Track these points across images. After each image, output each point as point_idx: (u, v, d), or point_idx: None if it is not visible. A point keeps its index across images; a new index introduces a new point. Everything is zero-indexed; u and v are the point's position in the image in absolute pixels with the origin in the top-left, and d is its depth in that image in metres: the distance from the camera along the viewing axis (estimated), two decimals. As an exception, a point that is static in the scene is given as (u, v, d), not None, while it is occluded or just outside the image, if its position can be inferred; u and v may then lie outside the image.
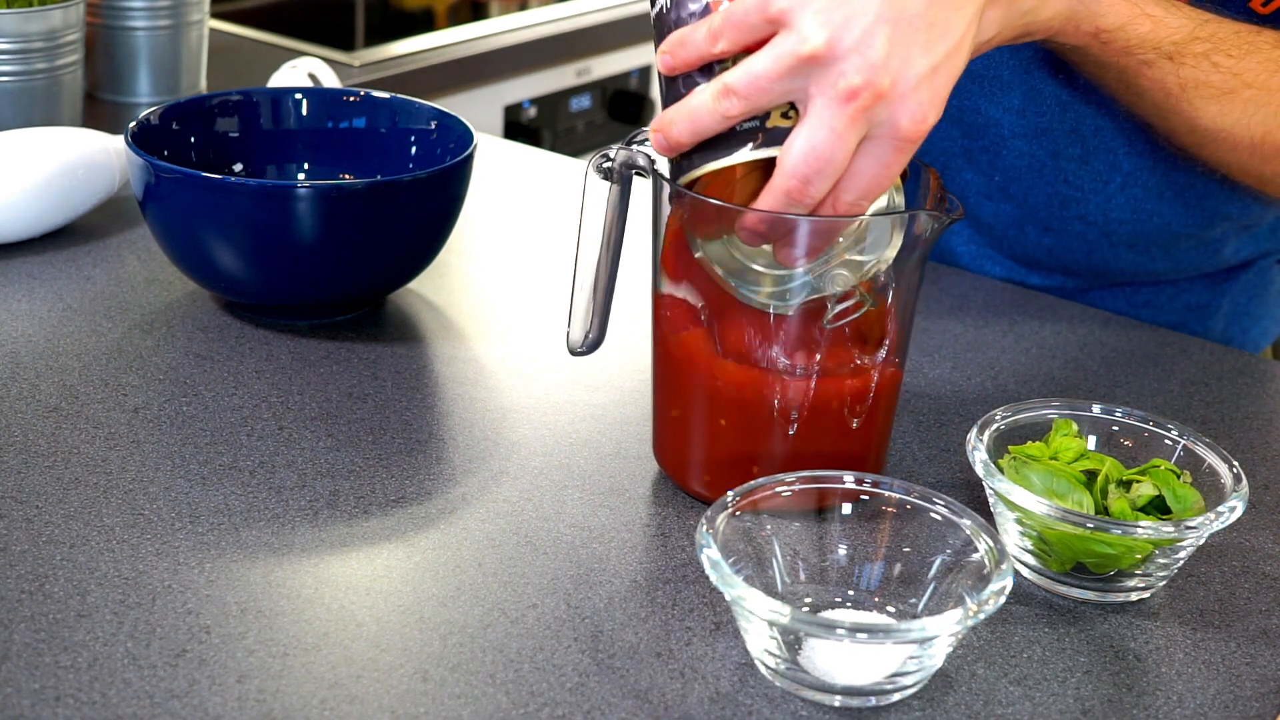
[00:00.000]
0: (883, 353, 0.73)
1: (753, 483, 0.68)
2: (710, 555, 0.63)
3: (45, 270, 1.00)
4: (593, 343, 0.80)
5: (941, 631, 0.60)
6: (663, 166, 0.75)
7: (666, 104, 0.71)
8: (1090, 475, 0.73)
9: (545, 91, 1.89)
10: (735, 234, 0.70)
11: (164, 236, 0.92)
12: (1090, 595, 0.71)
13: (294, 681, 0.63)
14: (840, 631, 0.60)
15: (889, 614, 0.67)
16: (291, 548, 0.72)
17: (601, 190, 0.77)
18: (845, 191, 0.68)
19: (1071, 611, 0.71)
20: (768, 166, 0.68)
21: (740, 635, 0.66)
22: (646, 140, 0.76)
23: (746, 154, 0.68)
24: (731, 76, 0.67)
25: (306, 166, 1.03)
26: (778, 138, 0.67)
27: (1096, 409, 0.77)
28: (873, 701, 0.63)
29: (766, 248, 0.70)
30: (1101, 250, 1.06)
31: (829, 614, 0.67)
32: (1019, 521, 0.71)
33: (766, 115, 0.68)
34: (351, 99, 1.03)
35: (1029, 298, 1.04)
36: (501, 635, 0.66)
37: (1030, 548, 0.71)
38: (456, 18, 1.96)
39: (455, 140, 0.99)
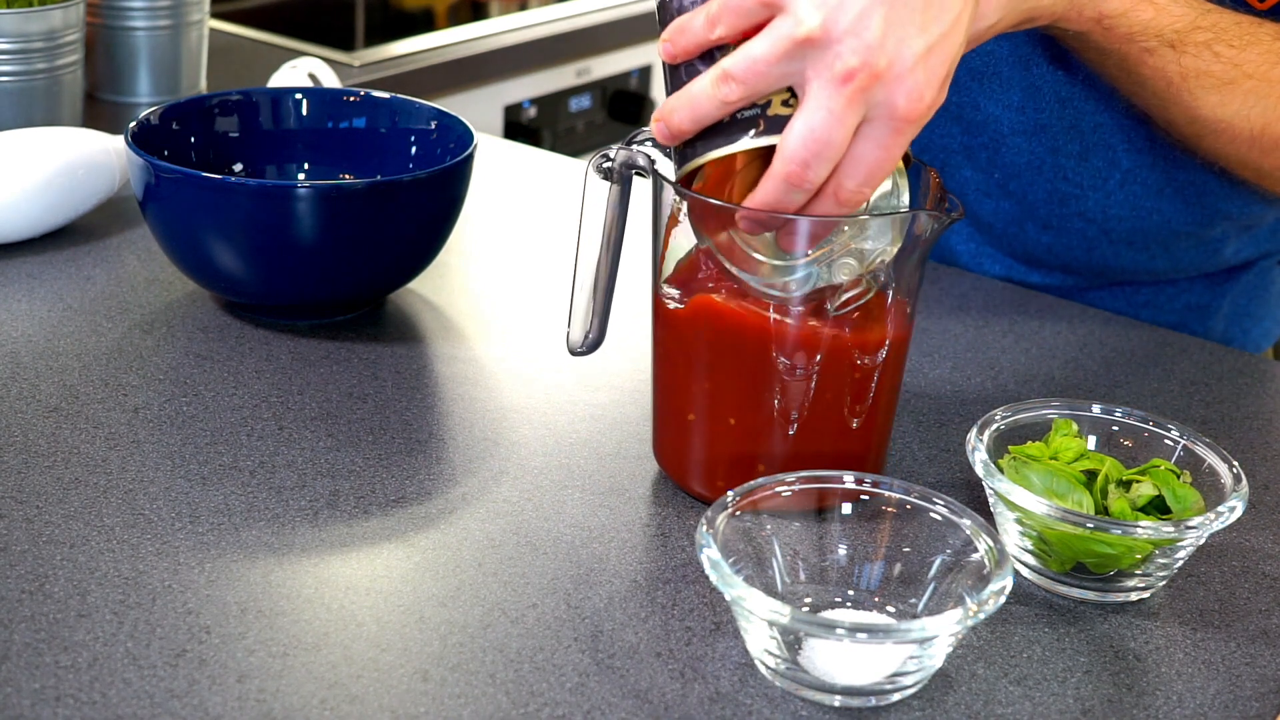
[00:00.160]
0: (883, 353, 0.73)
1: (753, 483, 0.68)
2: (710, 555, 0.63)
3: (45, 270, 1.00)
4: (593, 343, 0.80)
5: (941, 631, 0.60)
6: (663, 167, 0.75)
7: (670, 94, 0.71)
8: (1090, 475, 0.73)
9: (545, 91, 1.89)
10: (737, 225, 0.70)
11: (164, 236, 0.92)
12: (1090, 595, 0.71)
13: (294, 681, 0.63)
14: (840, 631, 0.60)
15: (889, 614, 0.67)
16: (291, 548, 0.72)
17: (601, 190, 0.77)
18: (847, 178, 0.68)
19: (1071, 611, 0.71)
20: (769, 155, 0.68)
21: (740, 635, 0.66)
22: (646, 140, 0.76)
23: (747, 142, 0.68)
24: (729, 61, 0.67)
25: (306, 166, 1.03)
26: (779, 125, 0.67)
27: (1096, 409, 0.77)
28: (873, 701, 0.63)
29: (770, 236, 0.70)
30: (1101, 248, 1.06)
31: (829, 614, 0.67)
32: (1019, 521, 0.71)
33: (767, 103, 0.68)
34: (351, 99, 1.03)
35: (1029, 298, 1.04)
36: (501, 635, 0.66)
37: (1030, 548, 0.71)
38: (456, 18, 1.96)
39: (455, 140, 0.99)
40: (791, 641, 0.63)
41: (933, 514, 0.68)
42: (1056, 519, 0.68)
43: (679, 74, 0.70)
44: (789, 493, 0.69)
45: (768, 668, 0.64)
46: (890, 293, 0.73)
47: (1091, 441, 0.76)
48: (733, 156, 0.69)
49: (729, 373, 0.73)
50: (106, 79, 1.38)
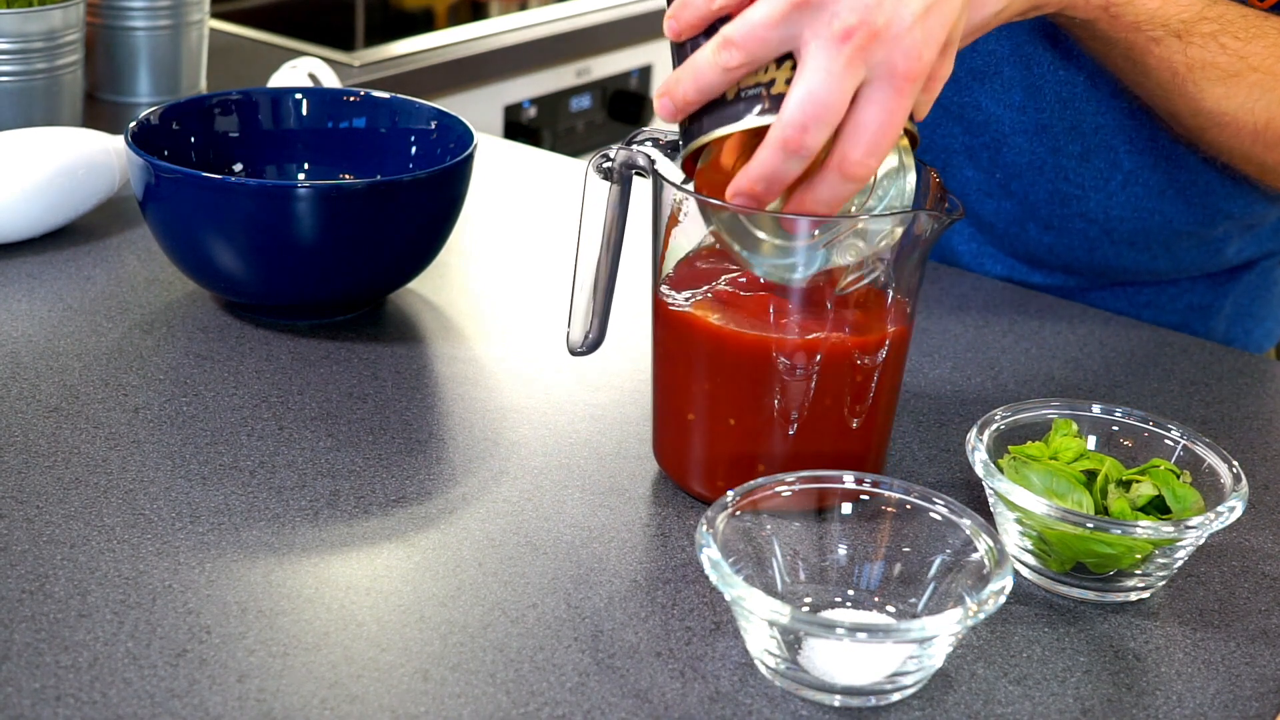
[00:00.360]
0: (883, 353, 0.73)
1: (753, 483, 0.68)
2: (710, 555, 0.63)
3: (45, 270, 1.00)
4: (593, 343, 0.80)
5: (941, 631, 0.60)
6: (663, 167, 0.75)
7: None
8: (1090, 475, 0.73)
9: (545, 91, 1.89)
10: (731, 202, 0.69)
11: (164, 236, 0.92)
12: (1090, 595, 0.71)
13: (294, 681, 0.63)
14: (840, 631, 0.60)
15: (889, 614, 0.67)
16: (291, 548, 0.72)
17: (601, 190, 0.77)
18: (851, 147, 0.66)
19: (1071, 611, 0.71)
20: None
21: (740, 635, 0.66)
22: (647, 140, 0.76)
23: (753, 120, 0.68)
24: (729, 28, 0.67)
25: (306, 166, 1.03)
26: (783, 103, 0.67)
27: (1096, 409, 0.77)
28: (873, 701, 0.63)
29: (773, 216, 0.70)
30: (1103, 248, 1.06)
31: (829, 614, 0.67)
32: (1019, 521, 0.71)
33: (771, 82, 0.67)
34: (351, 99, 1.03)
35: (1029, 298, 1.04)
36: (501, 635, 0.66)
37: (1030, 548, 0.71)
38: (456, 18, 1.96)
39: (455, 140, 0.99)
40: (791, 641, 0.63)
41: (933, 514, 0.68)
42: (1056, 519, 0.68)
43: (684, 51, 0.70)
44: (789, 493, 0.69)
45: (768, 667, 0.64)
46: (890, 293, 0.73)
47: (1091, 441, 0.76)
48: (738, 134, 0.69)
49: (729, 373, 0.73)
50: (106, 79, 1.38)
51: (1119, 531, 0.68)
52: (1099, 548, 0.69)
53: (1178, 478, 0.72)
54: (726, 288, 0.73)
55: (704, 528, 0.64)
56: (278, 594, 0.68)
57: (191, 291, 0.98)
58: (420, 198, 0.91)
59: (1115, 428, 0.77)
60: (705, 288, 0.74)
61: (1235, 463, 0.73)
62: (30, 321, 0.93)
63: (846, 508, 0.69)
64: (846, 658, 0.62)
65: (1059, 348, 0.97)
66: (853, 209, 0.70)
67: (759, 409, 0.73)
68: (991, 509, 0.73)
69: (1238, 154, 0.92)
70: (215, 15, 1.73)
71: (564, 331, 0.85)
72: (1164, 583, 0.72)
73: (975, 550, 0.66)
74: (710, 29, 0.69)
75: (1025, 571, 0.73)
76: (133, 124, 0.94)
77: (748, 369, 0.72)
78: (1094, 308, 1.04)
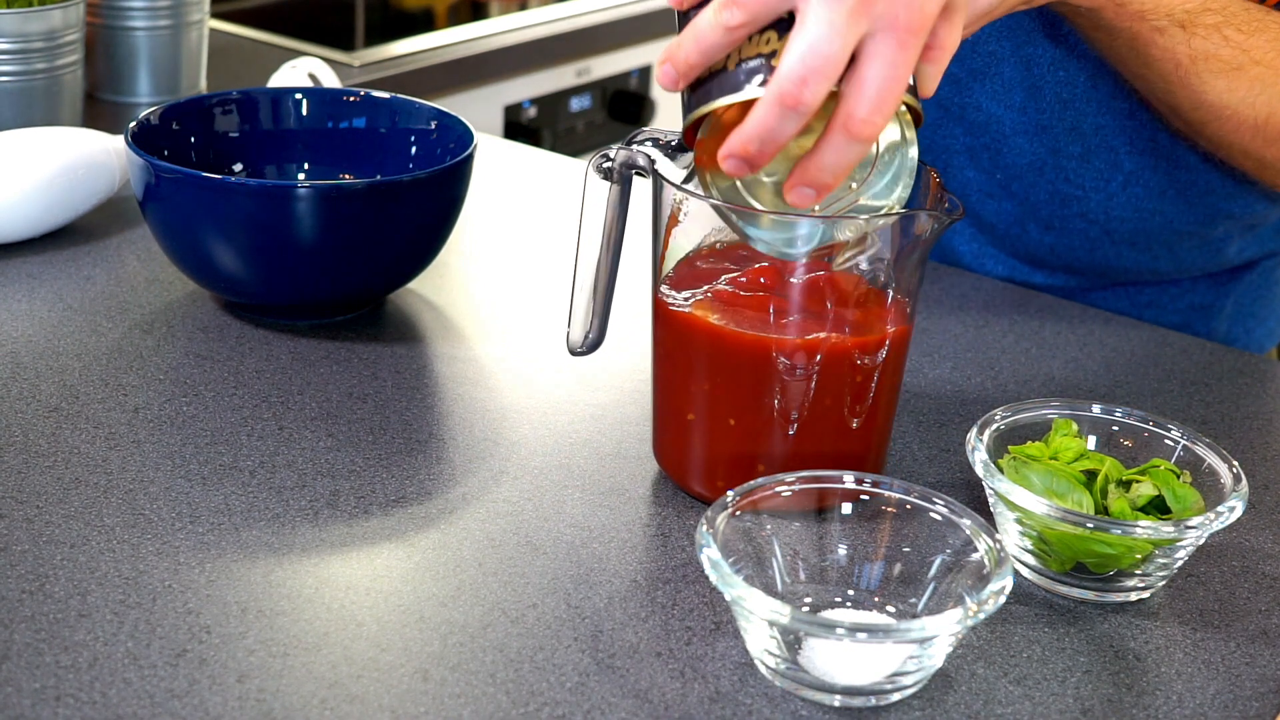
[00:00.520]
0: (883, 352, 0.73)
1: (753, 483, 0.68)
2: (710, 555, 0.63)
3: (45, 270, 1.00)
4: (593, 343, 0.80)
5: (941, 631, 0.60)
6: (663, 167, 0.75)
7: None
8: (1090, 475, 0.73)
9: (545, 91, 1.89)
10: (721, 166, 0.67)
11: (164, 236, 0.92)
12: (1090, 595, 0.71)
13: (294, 681, 0.63)
14: (840, 631, 0.60)
15: (889, 614, 0.67)
16: (291, 548, 0.72)
17: (601, 190, 0.77)
18: (855, 105, 0.64)
19: (1071, 611, 0.71)
20: None
21: (740, 635, 0.66)
22: (647, 140, 0.76)
23: (754, 90, 0.67)
24: None
25: (306, 166, 1.03)
26: None
27: (1096, 409, 0.77)
28: (873, 701, 0.63)
29: (773, 188, 0.69)
30: (1103, 248, 1.06)
31: (829, 614, 0.67)
32: (1019, 521, 0.71)
33: (774, 52, 0.66)
34: (351, 99, 1.03)
35: (1029, 298, 1.04)
36: (501, 635, 0.66)
37: (1030, 548, 0.71)
38: (456, 18, 1.96)
39: (455, 140, 0.99)
40: (791, 641, 0.63)
41: (933, 514, 0.68)
42: (1056, 519, 0.68)
43: (688, 19, 0.69)
44: (789, 493, 0.69)
45: (768, 667, 0.64)
46: (890, 292, 0.73)
47: (1091, 441, 0.76)
48: (741, 105, 0.68)
49: (729, 373, 0.73)
50: (106, 79, 1.38)
51: (1119, 531, 0.68)
52: (1099, 548, 0.69)
53: (1178, 478, 0.72)
54: (726, 288, 0.73)
55: (704, 528, 0.64)
56: (278, 594, 0.68)
57: (191, 291, 0.98)
58: (420, 198, 0.91)
59: (1115, 428, 0.77)
60: (705, 288, 0.74)
61: (1235, 463, 0.73)
62: (30, 321, 0.93)
63: (846, 508, 0.69)
64: (846, 658, 0.62)
65: (1059, 348, 0.97)
66: (853, 185, 0.69)
67: (759, 409, 0.73)
68: (991, 509, 0.73)
69: (1237, 149, 0.92)
70: (215, 15, 1.73)
71: (564, 331, 0.85)
72: (1164, 583, 0.72)
73: (975, 550, 0.66)
74: None
75: (1025, 571, 0.73)
76: (133, 124, 0.94)
77: (748, 369, 0.72)
78: (1094, 308, 1.04)
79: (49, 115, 1.20)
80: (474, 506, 0.76)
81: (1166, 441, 0.76)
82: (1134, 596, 0.71)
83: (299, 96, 1.03)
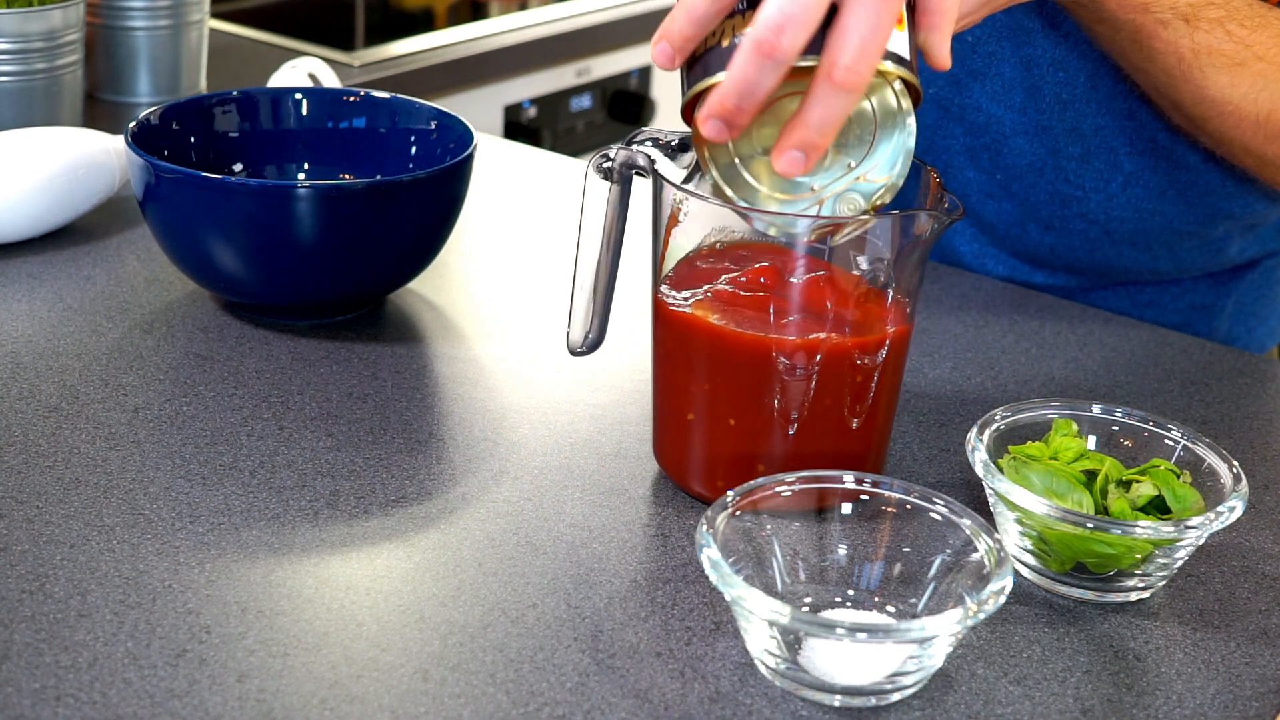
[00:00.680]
0: (883, 352, 0.73)
1: (753, 483, 0.68)
2: (710, 555, 0.63)
3: (45, 270, 1.00)
4: (593, 343, 0.80)
5: (941, 631, 0.60)
6: (663, 166, 0.75)
7: None
8: (1090, 475, 0.73)
9: (545, 91, 1.89)
10: (699, 127, 0.67)
11: (164, 236, 0.92)
12: (1090, 595, 0.71)
13: (294, 681, 0.63)
14: (840, 631, 0.60)
15: (889, 614, 0.67)
16: (291, 548, 0.72)
17: (601, 190, 0.77)
18: (840, 52, 0.63)
19: (1071, 611, 0.71)
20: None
21: (740, 635, 0.66)
22: (647, 140, 0.76)
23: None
24: None
25: (306, 166, 1.03)
26: None
27: (1096, 409, 0.77)
28: (873, 701, 0.63)
29: (769, 161, 0.69)
30: (1104, 248, 1.06)
31: (829, 614, 0.67)
32: (1019, 521, 0.71)
33: None
34: (351, 99, 1.03)
35: (1029, 298, 1.04)
36: (501, 635, 0.66)
37: (1030, 548, 0.71)
38: (456, 18, 1.96)
39: (455, 140, 0.99)
40: (791, 641, 0.63)
41: (933, 514, 0.68)
42: (1056, 519, 0.68)
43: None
44: (789, 493, 0.69)
45: (768, 668, 0.64)
46: (890, 292, 0.73)
47: (1091, 441, 0.76)
48: None
49: (729, 373, 0.73)
50: (106, 79, 1.38)
51: (1119, 532, 0.68)
52: (1099, 548, 0.69)
53: (1178, 478, 0.72)
54: (726, 288, 0.73)
55: (704, 528, 0.64)
56: (278, 594, 0.68)
57: (191, 291, 0.98)
58: (420, 198, 0.91)
59: (1115, 428, 0.77)
60: (705, 288, 0.74)
61: (1235, 463, 0.73)
62: (30, 321, 0.93)
63: (846, 508, 0.69)
64: (846, 658, 0.62)
65: (1059, 348, 0.97)
66: (851, 164, 0.69)
67: (759, 409, 0.73)
68: (991, 509, 0.73)
69: (1238, 145, 0.92)
70: (215, 15, 1.73)
71: (564, 331, 0.85)
72: (1164, 583, 0.72)
73: (975, 550, 0.66)
74: None
75: (1025, 571, 0.73)
76: (133, 124, 0.94)
77: (748, 369, 0.72)
78: (1094, 307, 1.04)
79: (49, 115, 1.20)
80: (474, 506, 0.76)
81: (1166, 441, 0.76)
82: (1134, 596, 0.71)
83: (299, 96, 1.03)
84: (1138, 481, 0.72)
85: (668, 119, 2.06)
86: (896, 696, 0.64)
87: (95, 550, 0.70)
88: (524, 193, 1.21)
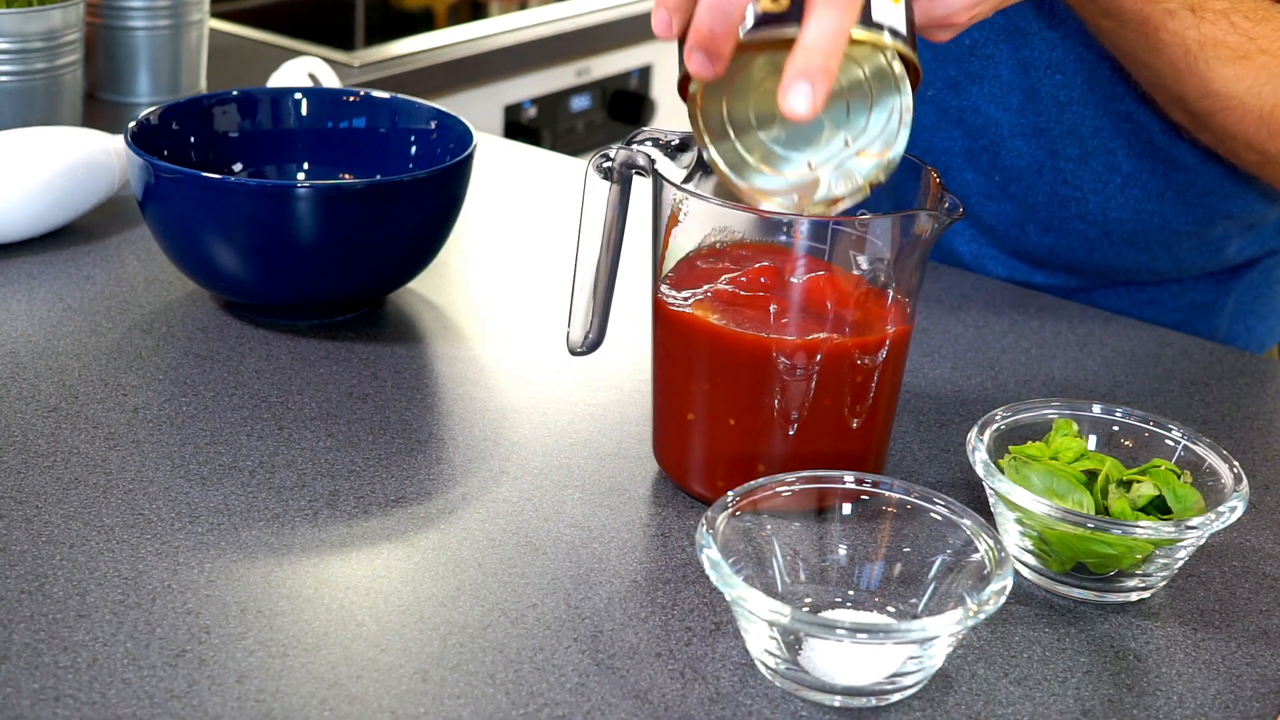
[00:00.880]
0: (883, 352, 0.73)
1: (753, 483, 0.68)
2: (710, 555, 0.63)
3: (45, 270, 1.00)
4: (593, 343, 0.80)
5: (941, 631, 0.60)
6: (663, 166, 0.75)
7: None
8: (1090, 475, 0.73)
9: (545, 91, 1.89)
10: (687, 64, 0.66)
11: (164, 236, 0.92)
12: (1090, 595, 0.71)
13: (294, 681, 0.63)
14: (840, 631, 0.60)
15: (889, 614, 0.67)
16: (291, 548, 0.72)
17: (601, 190, 0.77)
18: None
19: (1071, 611, 0.71)
20: (768, 54, 0.67)
21: (740, 635, 0.66)
22: (647, 140, 0.76)
23: (743, 35, 0.66)
24: None
25: (306, 166, 1.03)
26: (769, 20, 0.65)
27: (1096, 409, 0.77)
28: (873, 701, 0.63)
29: (767, 140, 0.69)
30: (1103, 249, 1.06)
31: (829, 614, 0.67)
32: (1019, 521, 0.71)
33: (757, 1, 0.66)
34: (351, 99, 1.03)
35: (1029, 298, 1.04)
36: (501, 635, 0.66)
37: (1030, 548, 0.71)
38: (456, 18, 1.96)
39: (455, 140, 0.99)
40: (791, 642, 0.63)
41: (933, 514, 0.68)
42: (1056, 519, 0.68)
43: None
44: (789, 493, 0.69)
45: (768, 668, 0.64)
46: (890, 292, 0.73)
47: (1092, 441, 0.76)
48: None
49: (729, 373, 0.73)
50: (106, 79, 1.38)
51: (1119, 532, 0.68)
52: (1099, 548, 0.69)
53: (1178, 478, 0.72)
54: (726, 288, 0.73)
55: (704, 528, 0.64)
56: (277, 594, 0.68)
57: (191, 291, 0.98)
58: (420, 198, 0.91)
59: (1115, 428, 0.77)
60: (705, 288, 0.74)
61: (1236, 463, 0.73)
62: (30, 321, 0.93)
63: (846, 508, 0.69)
64: (847, 658, 0.62)
65: (1059, 348, 0.97)
66: (848, 139, 0.69)
67: (759, 409, 0.73)
68: (991, 509, 0.73)
69: (1241, 141, 0.92)
70: (215, 15, 1.73)
71: (564, 331, 0.85)
72: (1164, 583, 0.72)
73: (975, 550, 0.66)
74: None
75: (1025, 571, 0.73)
76: (132, 124, 0.94)
77: (748, 369, 0.72)
78: (1094, 307, 1.04)
79: (49, 115, 1.20)
80: (474, 506, 0.76)
81: (1167, 441, 0.76)
82: (1134, 597, 0.71)
83: (299, 96, 1.03)
84: (1138, 481, 0.72)
85: (668, 119, 2.06)
86: (897, 697, 0.64)
87: (94, 550, 0.70)
88: (524, 193, 1.21)
